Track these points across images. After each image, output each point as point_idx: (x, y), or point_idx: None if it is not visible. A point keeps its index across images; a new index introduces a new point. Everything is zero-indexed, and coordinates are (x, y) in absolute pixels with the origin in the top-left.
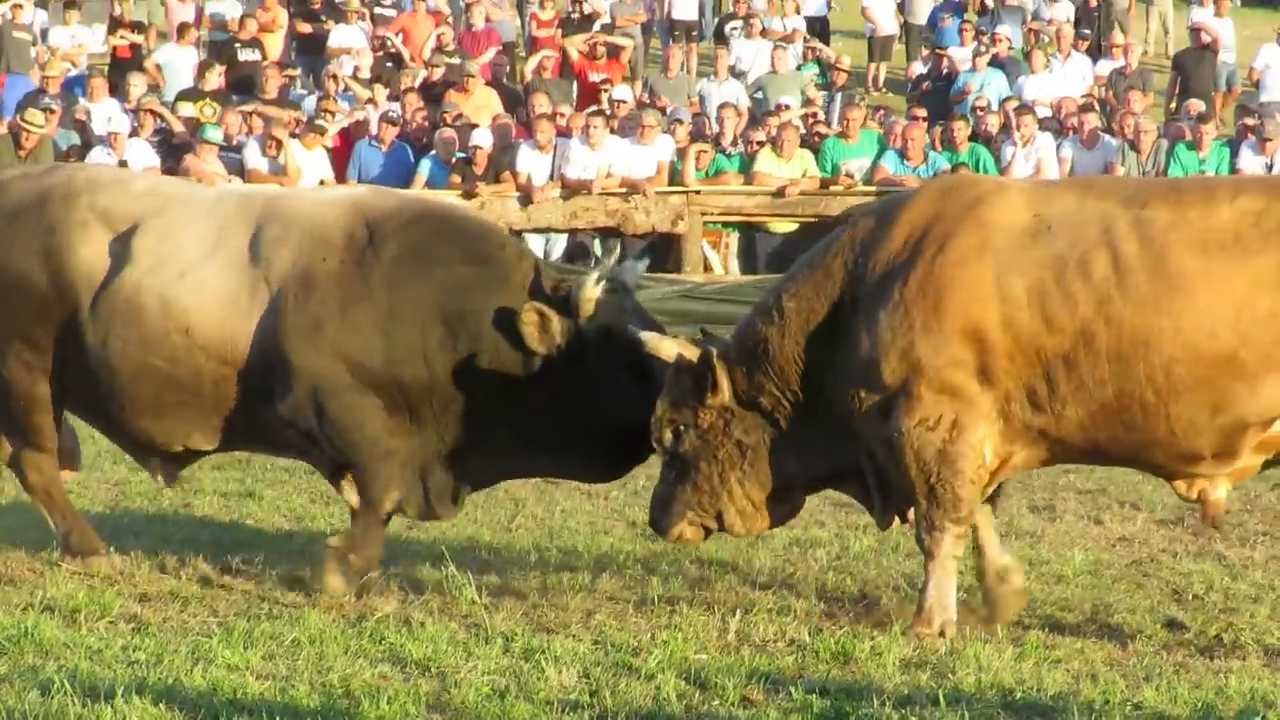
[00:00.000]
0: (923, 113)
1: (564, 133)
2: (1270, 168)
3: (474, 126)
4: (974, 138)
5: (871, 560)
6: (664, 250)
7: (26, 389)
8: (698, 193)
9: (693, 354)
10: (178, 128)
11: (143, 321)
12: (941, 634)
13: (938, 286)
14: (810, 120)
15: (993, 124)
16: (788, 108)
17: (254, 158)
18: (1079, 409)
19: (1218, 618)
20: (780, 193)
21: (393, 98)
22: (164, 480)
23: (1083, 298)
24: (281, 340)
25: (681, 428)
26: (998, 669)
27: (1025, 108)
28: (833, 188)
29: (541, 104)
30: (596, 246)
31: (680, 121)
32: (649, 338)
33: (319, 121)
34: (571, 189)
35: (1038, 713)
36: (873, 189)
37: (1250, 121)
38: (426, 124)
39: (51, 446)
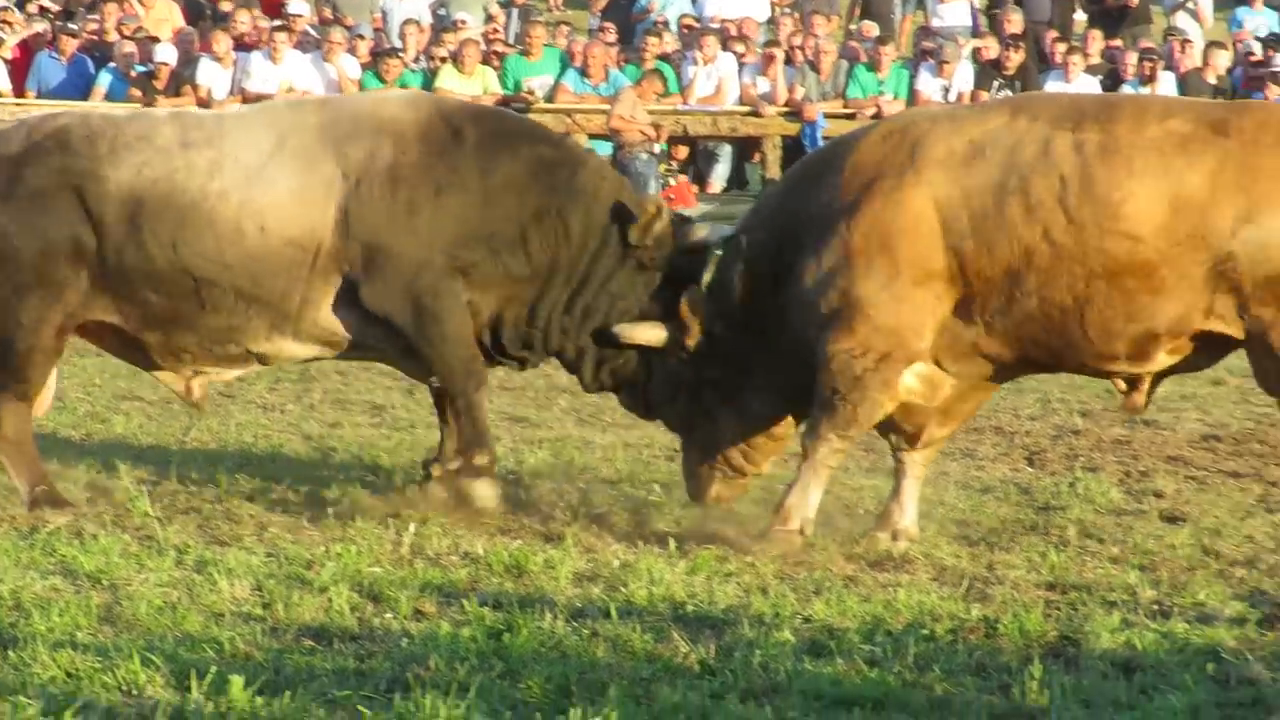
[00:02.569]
0: (611, 28)
1: (246, 47)
2: (948, 91)
3: (154, 40)
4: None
5: (546, 474)
6: None
7: (33, 339)
8: None
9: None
10: None
11: (212, 225)
12: (801, 533)
13: (881, 228)
14: (491, 37)
15: (669, 43)
16: (465, 24)
17: None
18: (1006, 319)
19: None
20: None
21: (65, 12)
22: (197, 405)
23: (1020, 219)
24: (375, 230)
25: (673, 392)
26: (669, 582)
27: (706, 28)
28: (514, 105)
29: (241, 19)
30: None
31: (362, 37)
32: (623, 329)
33: None
34: (252, 103)
35: (709, 625)
36: (555, 107)
37: (929, 45)
38: (97, 37)
39: (35, 398)
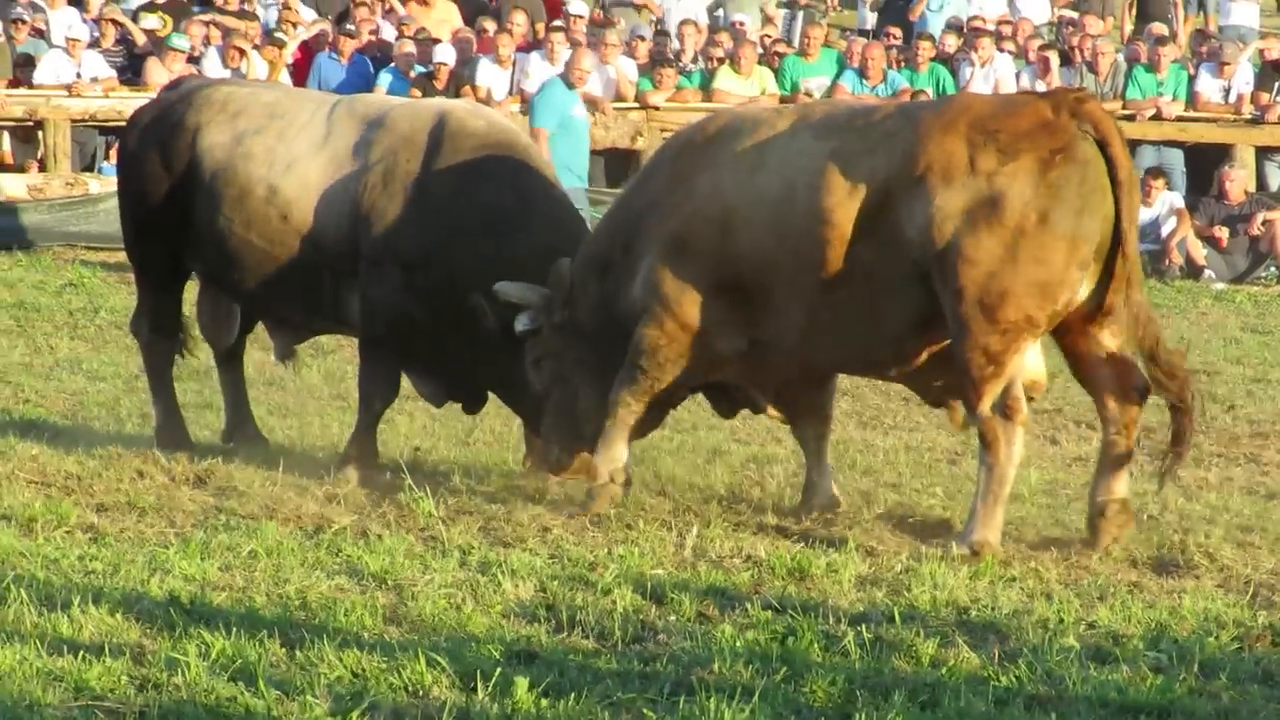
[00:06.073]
0: (896, 32)
1: (524, 48)
2: (1228, 92)
3: (435, 41)
4: (933, 58)
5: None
6: (623, 166)
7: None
8: (657, 109)
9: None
10: (140, 39)
11: (248, 206)
12: (612, 480)
13: (680, 230)
14: (769, 39)
15: (950, 44)
16: (744, 25)
17: (214, 69)
18: (786, 332)
19: (1172, 538)
20: None
21: (342, 14)
22: (277, 355)
23: (770, 238)
24: (356, 225)
25: (540, 359)
26: (953, 587)
27: (983, 29)
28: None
29: (518, 20)
30: None
31: (642, 38)
32: (499, 286)
33: (278, 34)
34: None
35: (992, 630)
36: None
37: (1210, 45)
38: (375, 38)
39: (173, 330)
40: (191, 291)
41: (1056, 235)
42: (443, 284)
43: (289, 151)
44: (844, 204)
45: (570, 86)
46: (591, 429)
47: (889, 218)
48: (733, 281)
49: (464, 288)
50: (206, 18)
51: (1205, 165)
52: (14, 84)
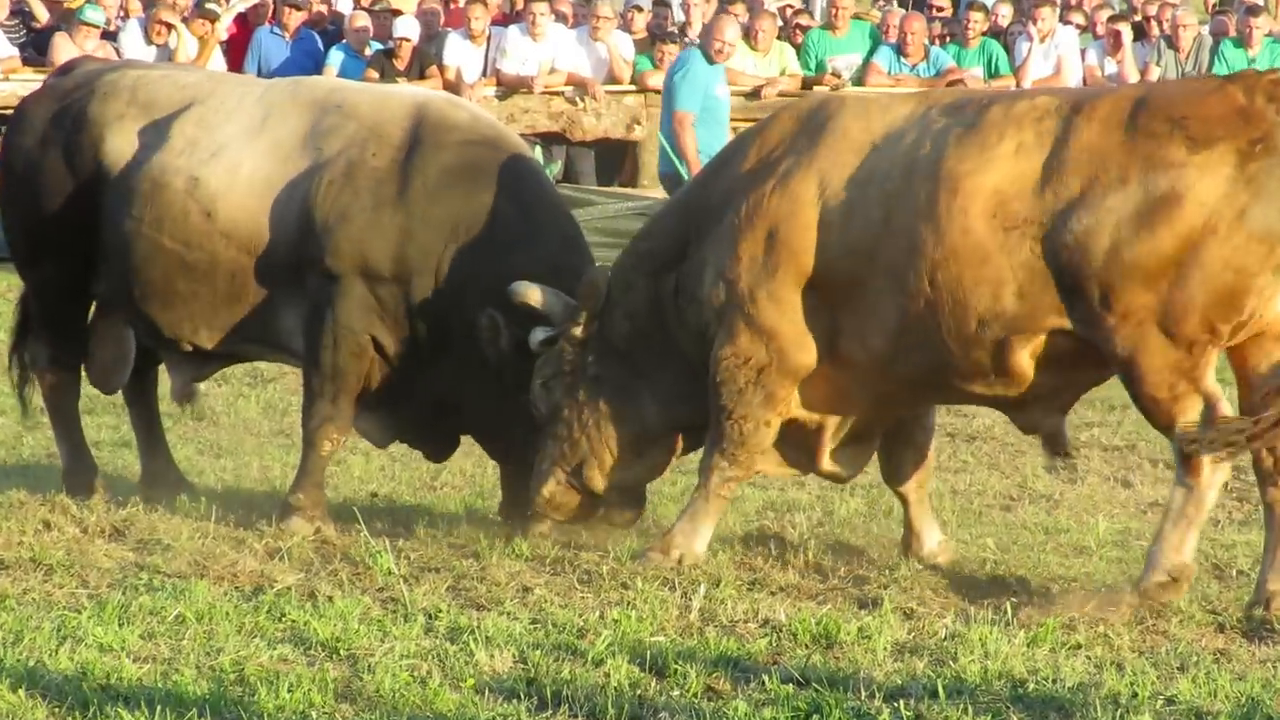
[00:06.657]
0: (941, 3)
1: (502, 21)
2: None
3: (396, 13)
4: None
5: (859, 526)
6: (617, 160)
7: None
8: (657, 92)
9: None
10: (41, 14)
11: (161, 200)
12: (678, 564)
13: (766, 218)
14: (790, 10)
15: (1004, 15)
16: None
17: (134, 46)
18: (875, 335)
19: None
20: (755, 94)
21: None
22: (175, 395)
23: (875, 220)
24: (305, 229)
25: (551, 378)
26: (1007, 656)
27: None
28: (817, 88)
29: None
30: (538, 153)
31: (639, 9)
32: (518, 286)
33: (209, 5)
34: (509, 87)
35: (1054, 707)
36: (863, 89)
37: None
38: (325, 9)
39: (77, 364)
40: None
41: (1254, 236)
42: (423, 302)
43: (213, 139)
44: (978, 175)
45: (710, 61)
46: (598, 459)
47: (1034, 203)
48: (821, 276)
49: (448, 308)
50: None
51: None
52: None
